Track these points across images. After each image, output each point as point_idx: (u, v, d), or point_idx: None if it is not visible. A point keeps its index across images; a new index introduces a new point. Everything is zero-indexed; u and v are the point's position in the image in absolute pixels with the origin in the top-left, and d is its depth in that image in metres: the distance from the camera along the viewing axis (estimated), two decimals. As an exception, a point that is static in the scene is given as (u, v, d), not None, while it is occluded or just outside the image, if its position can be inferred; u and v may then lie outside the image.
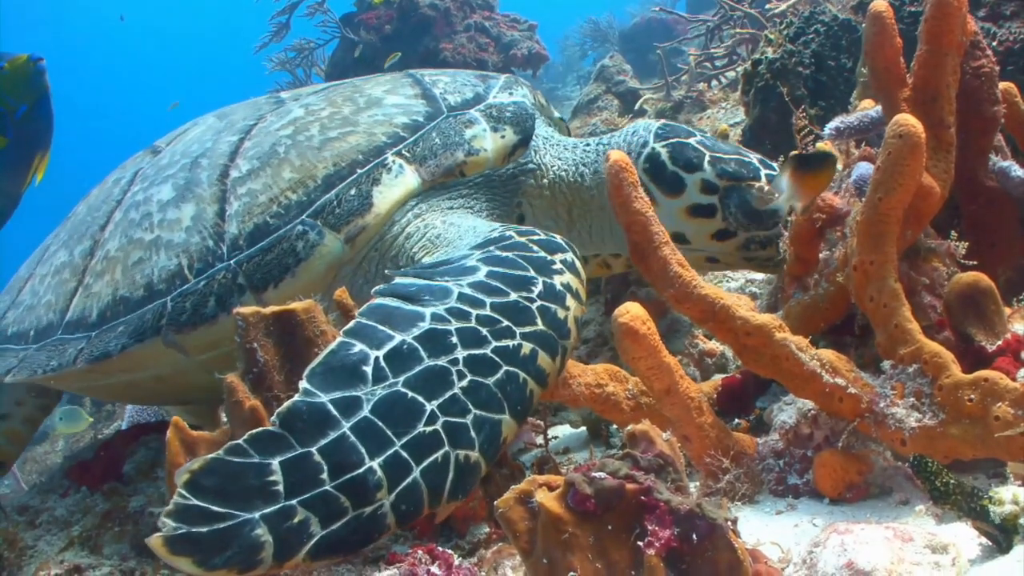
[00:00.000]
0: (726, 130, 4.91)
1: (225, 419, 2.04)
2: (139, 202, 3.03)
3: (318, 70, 10.38)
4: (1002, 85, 2.42)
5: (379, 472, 1.69)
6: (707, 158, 2.82)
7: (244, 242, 2.72)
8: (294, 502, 1.61)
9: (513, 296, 2.09)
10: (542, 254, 2.26)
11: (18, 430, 3.60)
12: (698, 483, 2.09)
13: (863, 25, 2.31)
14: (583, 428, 3.04)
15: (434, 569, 1.72)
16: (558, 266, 2.22)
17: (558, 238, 2.37)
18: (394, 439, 1.75)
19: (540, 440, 2.67)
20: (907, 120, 1.89)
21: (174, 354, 2.77)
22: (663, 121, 3.07)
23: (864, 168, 2.25)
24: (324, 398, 1.77)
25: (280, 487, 1.62)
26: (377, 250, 2.76)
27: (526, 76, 9.44)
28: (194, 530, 1.52)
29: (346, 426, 1.74)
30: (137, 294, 2.83)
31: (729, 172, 2.79)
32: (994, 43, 3.18)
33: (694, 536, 1.35)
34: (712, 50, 7.46)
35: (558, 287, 2.15)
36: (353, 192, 2.70)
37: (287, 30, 10.30)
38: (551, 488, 1.43)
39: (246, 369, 2.04)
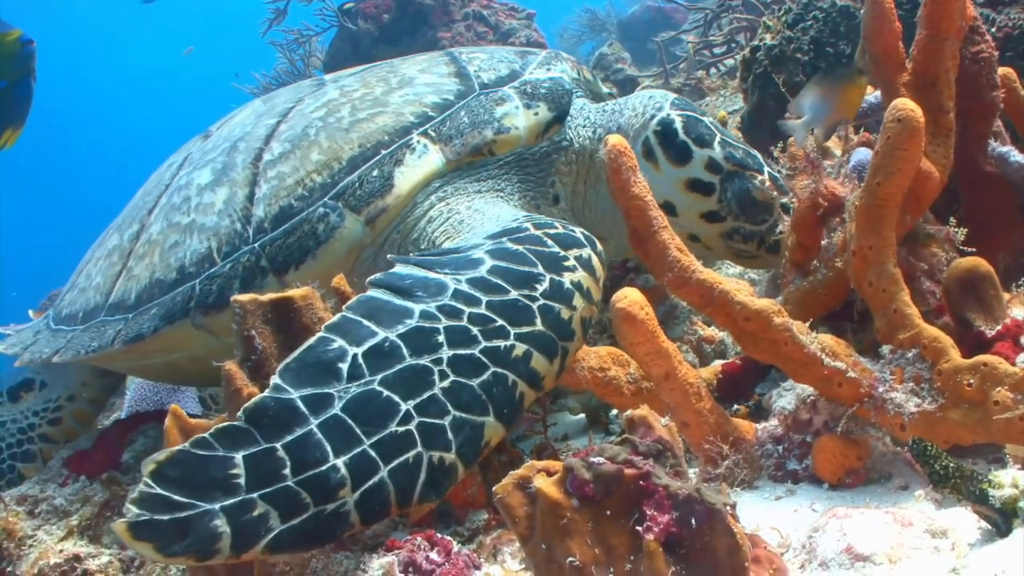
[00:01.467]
0: (724, 116, 4.90)
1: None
2: (182, 186, 3.06)
3: (316, 60, 10.36)
4: (1001, 70, 2.41)
5: (343, 470, 1.67)
6: (718, 139, 2.79)
7: (269, 225, 2.72)
8: (255, 496, 1.60)
9: (513, 294, 2.03)
10: (555, 249, 2.18)
11: (85, 410, 3.71)
12: (697, 469, 2.09)
13: (861, 11, 2.30)
14: (582, 415, 3.03)
15: (433, 555, 1.72)
16: (571, 263, 2.14)
17: (578, 232, 2.28)
18: (363, 437, 1.72)
19: (539, 427, 2.66)
20: (906, 104, 1.89)
21: (205, 336, 2.79)
22: (678, 95, 3.04)
23: (863, 153, 2.24)
24: (294, 394, 1.75)
25: (242, 480, 1.61)
26: (400, 232, 2.72)
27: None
28: (156, 518, 1.53)
29: (313, 423, 1.71)
30: (170, 277, 2.85)
31: (736, 158, 2.76)
32: (993, 29, 3.18)
33: (693, 521, 1.35)
34: (711, 38, 7.45)
35: (566, 285, 2.08)
36: (375, 173, 2.68)
37: (284, 15, 10.27)
38: (549, 474, 1.43)
39: (244, 356, 2.03)
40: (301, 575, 1.73)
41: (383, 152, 2.72)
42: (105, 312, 3.05)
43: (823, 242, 2.27)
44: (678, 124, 2.80)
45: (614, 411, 2.76)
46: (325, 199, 2.68)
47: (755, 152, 2.84)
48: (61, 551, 2.62)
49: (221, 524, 1.55)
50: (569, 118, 2.98)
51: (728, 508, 1.38)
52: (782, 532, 1.75)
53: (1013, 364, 1.87)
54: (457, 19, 9.00)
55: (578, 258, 2.17)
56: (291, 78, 10.53)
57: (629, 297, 1.91)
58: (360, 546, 1.79)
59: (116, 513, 2.75)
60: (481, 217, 2.64)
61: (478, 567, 1.77)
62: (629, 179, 2.12)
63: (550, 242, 2.21)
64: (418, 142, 2.72)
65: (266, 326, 2.03)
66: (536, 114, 2.84)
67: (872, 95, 2.43)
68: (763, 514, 1.91)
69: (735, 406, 2.44)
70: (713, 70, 7.31)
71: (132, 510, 1.53)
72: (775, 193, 2.69)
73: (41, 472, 3.19)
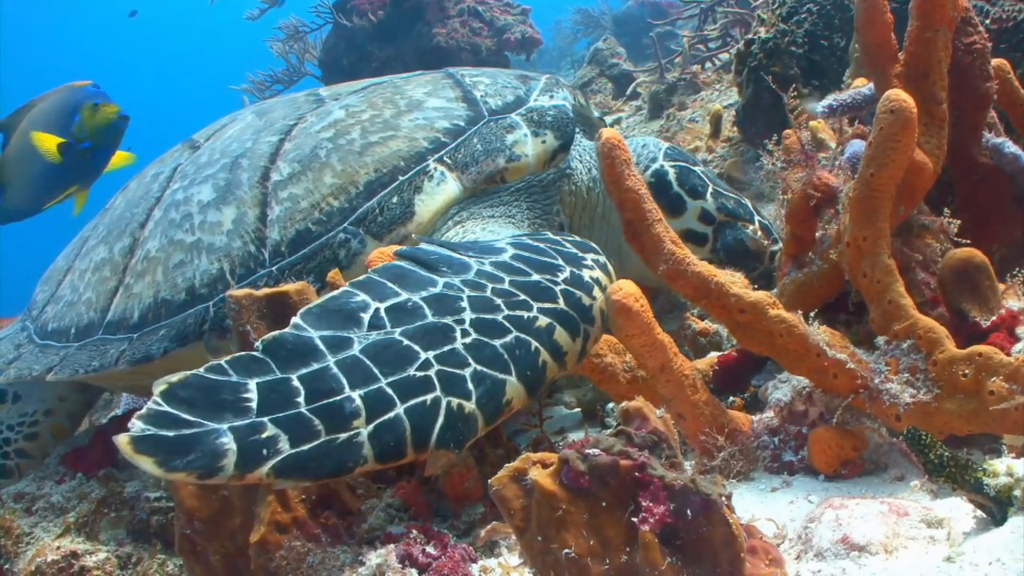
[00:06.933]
0: (719, 110, 4.90)
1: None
2: (179, 201, 3.02)
3: (310, 56, 10.34)
4: (995, 62, 2.41)
5: (358, 401, 1.64)
6: (710, 189, 2.92)
7: (286, 248, 2.73)
8: (265, 419, 1.56)
9: (536, 277, 2.05)
10: (574, 250, 2.22)
11: (62, 425, 3.65)
12: (693, 461, 2.09)
13: (854, 3, 2.30)
14: (578, 409, 3.04)
15: (429, 549, 1.72)
16: (588, 263, 2.18)
17: (591, 243, 2.33)
18: (380, 376, 1.70)
19: (535, 421, 2.67)
20: (899, 95, 1.89)
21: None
22: (671, 144, 3.17)
23: (858, 145, 2.24)
24: (313, 333, 1.75)
25: (253, 404, 1.58)
26: None
27: (519, 60, 9.42)
28: (161, 433, 1.49)
29: (331, 360, 1.70)
30: (179, 297, 2.84)
31: (728, 208, 2.90)
32: (987, 21, 3.18)
33: (688, 512, 1.35)
34: (706, 32, 7.44)
35: (586, 278, 2.11)
36: (395, 200, 2.70)
37: (279, 4, 10.29)
38: (545, 466, 1.43)
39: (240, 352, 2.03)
40: (298, 568, 1.73)
41: (400, 178, 2.74)
42: (103, 330, 3.01)
43: (817, 234, 2.27)
44: (671, 175, 2.94)
45: (610, 405, 2.76)
46: (345, 224, 2.70)
47: (745, 201, 2.98)
48: (58, 548, 2.62)
49: (228, 442, 1.50)
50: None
51: (724, 499, 1.38)
52: (778, 523, 1.75)
53: (1008, 354, 1.88)
54: (452, 15, 8.96)
55: (595, 260, 2.21)
56: (287, 75, 10.52)
57: (624, 289, 1.91)
58: (357, 539, 1.79)
59: (113, 510, 2.76)
60: (495, 236, 2.66)
61: (474, 560, 1.77)
62: (623, 172, 2.12)
63: (568, 245, 2.26)
64: (435, 169, 2.76)
65: (261, 321, 2.03)
66: (544, 142, 2.88)
67: (866, 87, 2.43)
68: (759, 505, 1.91)
69: (731, 398, 2.44)
70: (708, 64, 7.30)
71: (137, 425, 1.49)
72: (766, 242, 2.83)
73: (38, 469, 3.19)
